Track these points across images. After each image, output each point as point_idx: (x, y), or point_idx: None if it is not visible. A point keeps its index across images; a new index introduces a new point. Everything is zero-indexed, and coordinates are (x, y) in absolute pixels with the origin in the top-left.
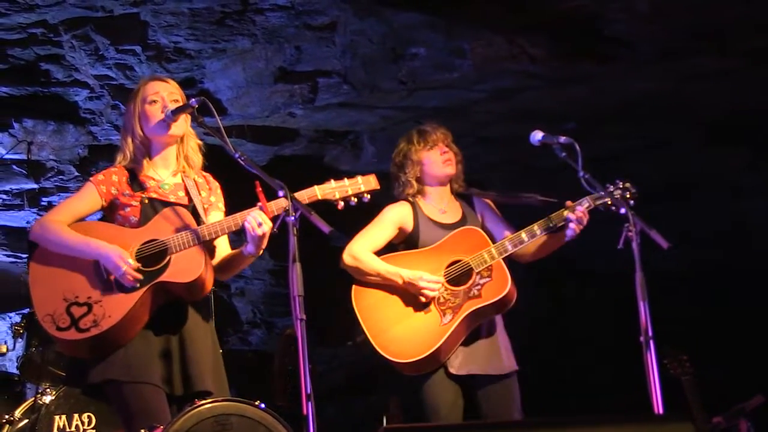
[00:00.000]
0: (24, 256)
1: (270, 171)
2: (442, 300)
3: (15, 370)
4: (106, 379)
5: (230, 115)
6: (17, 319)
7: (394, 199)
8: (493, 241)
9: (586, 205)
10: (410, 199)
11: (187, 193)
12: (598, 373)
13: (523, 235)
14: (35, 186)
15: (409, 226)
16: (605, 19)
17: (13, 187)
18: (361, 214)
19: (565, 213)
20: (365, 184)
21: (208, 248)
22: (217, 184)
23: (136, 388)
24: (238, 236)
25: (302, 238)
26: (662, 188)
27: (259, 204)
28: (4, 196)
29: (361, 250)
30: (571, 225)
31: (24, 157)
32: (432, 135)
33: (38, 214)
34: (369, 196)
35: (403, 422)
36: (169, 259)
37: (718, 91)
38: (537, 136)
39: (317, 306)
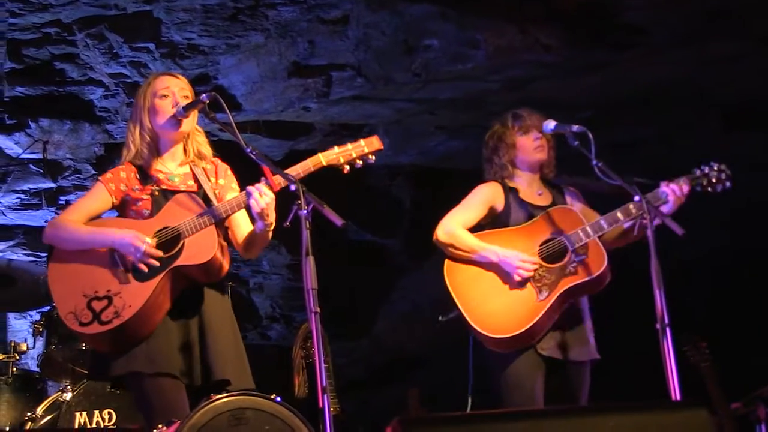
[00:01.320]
0: (44, 255)
1: (285, 166)
2: (537, 277)
3: (36, 368)
4: (129, 371)
5: (245, 110)
6: (37, 317)
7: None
8: None
9: (682, 181)
10: (502, 180)
11: (196, 180)
12: (616, 360)
13: (618, 213)
14: (53, 185)
15: (500, 206)
16: (619, 7)
17: (31, 186)
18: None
19: (660, 191)
20: (368, 145)
21: (221, 229)
22: (226, 165)
23: (157, 381)
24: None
25: (321, 231)
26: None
27: (264, 179)
28: (22, 196)
29: (456, 227)
30: (670, 199)
31: (41, 156)
32: (527, 120)
33: (56, 213)
34: (374, 158)
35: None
36: (183, 243)
37: (734, 76)
38: (550, 125)
39: (337, 299)
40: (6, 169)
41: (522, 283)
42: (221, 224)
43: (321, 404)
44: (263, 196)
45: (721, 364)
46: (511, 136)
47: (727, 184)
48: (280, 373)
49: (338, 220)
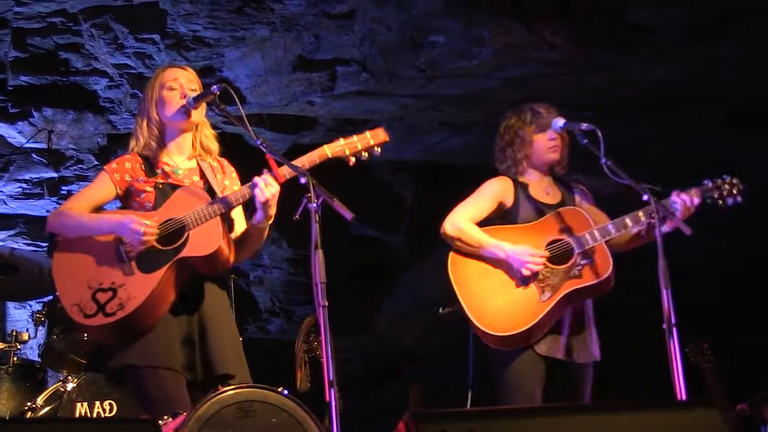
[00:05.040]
0: (44, 245)
1: (289, 159)
2: (541, 277)
3: (37, 358)
4: (125, 364)
5: (249, 103)
6: (38, 307)
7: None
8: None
9: (693, 192)
10: (512, 175)
11: (202, 176)
12: (621, 361)
13: (627, 220)
14: (55, 175)
15: (509, 201)
16: (627, 6)
17: (33, 176)
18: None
19: (671, 200)
20: (374, 137)
21: (226, 221)
22: (232, 168)
23: (155, 373)
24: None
25: (323, 226)
26: (684, 175)
27: (266, 170)
28: (24, 185)
29: (464, 220)
30: (679, 209)
31: (44, 146)
32: (545, 118)
33: (58, 203)
34: (379, 150)
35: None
36: (188, 235)
37: (741, 77)
38: (559, 122)
39: (337, 295)
40: (8, 158)
41: (526, 282)
42: (226, 216)
43: (328, 398)
44: (269, 187)
45: (727, 365)
46: (527, 133)
47: (738, 198)
48: (279, 367)
49: (348, 214)
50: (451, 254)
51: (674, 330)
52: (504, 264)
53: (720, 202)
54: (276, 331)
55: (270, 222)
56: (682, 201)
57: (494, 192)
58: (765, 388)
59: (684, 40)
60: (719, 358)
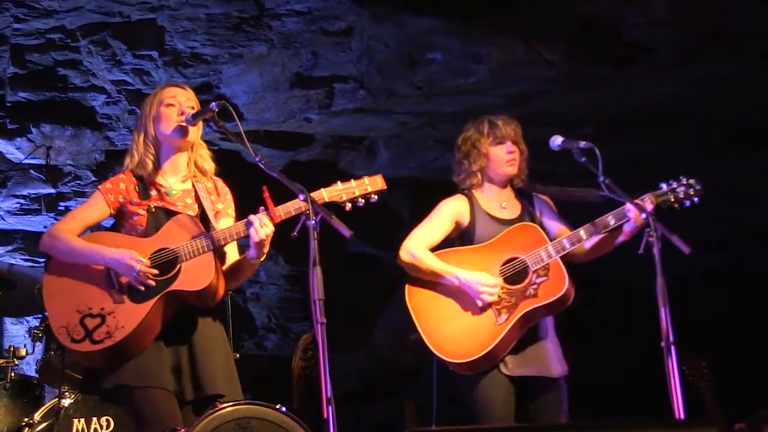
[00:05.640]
0: (42, 260)
1: (285, 176)
2: (497, 299)
3: (34, 374)
4: (118, 385)
5: (246, 120)
6: (35, 323)
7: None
8: (550, 239)
9: (646, 199)
10: (468, 192)
11: (197, 199)
12: (616, 379)
13: (582, 232)
14: (53, 191)
15: (466, 220)
16: (623, 24)
17: (31, 191)
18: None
19: (625, 209)
20: (372, 184)
21: (219, 255)
22: (227, 189)
23: (147, 393)
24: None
25: (319, 242)
26: None
27: (262, 208)
28: (22, 201)
29: (418, 247)
30: (631, 216)
31: (42, 162)
32: (502, 130)
33: (55, 219)
34: (376, 197)
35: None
36: (180, 267)
37: (737, 95)
38: (557, 141)
39: (333, 311)
40: (6, 174)
41: (482, 307)
42: (219, 250)
43: (325, 415)
44: (264, 227)
45: (724, 383)
46: (484, 145)
47: (696, 199)
48: (275, 384)
49: (346, 231)
50: (407, 285)
51: (672, 348)
52: (459, 290)
53: (676, 205)
54: (272, 347)
55: (262, 259)
56: (634, 207)
57: (448, 214)
58: (763, 406)
59: (679, 59)
60: (717, 376)
